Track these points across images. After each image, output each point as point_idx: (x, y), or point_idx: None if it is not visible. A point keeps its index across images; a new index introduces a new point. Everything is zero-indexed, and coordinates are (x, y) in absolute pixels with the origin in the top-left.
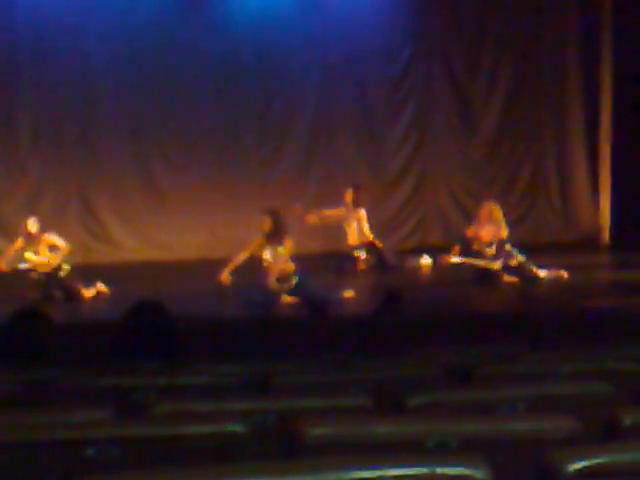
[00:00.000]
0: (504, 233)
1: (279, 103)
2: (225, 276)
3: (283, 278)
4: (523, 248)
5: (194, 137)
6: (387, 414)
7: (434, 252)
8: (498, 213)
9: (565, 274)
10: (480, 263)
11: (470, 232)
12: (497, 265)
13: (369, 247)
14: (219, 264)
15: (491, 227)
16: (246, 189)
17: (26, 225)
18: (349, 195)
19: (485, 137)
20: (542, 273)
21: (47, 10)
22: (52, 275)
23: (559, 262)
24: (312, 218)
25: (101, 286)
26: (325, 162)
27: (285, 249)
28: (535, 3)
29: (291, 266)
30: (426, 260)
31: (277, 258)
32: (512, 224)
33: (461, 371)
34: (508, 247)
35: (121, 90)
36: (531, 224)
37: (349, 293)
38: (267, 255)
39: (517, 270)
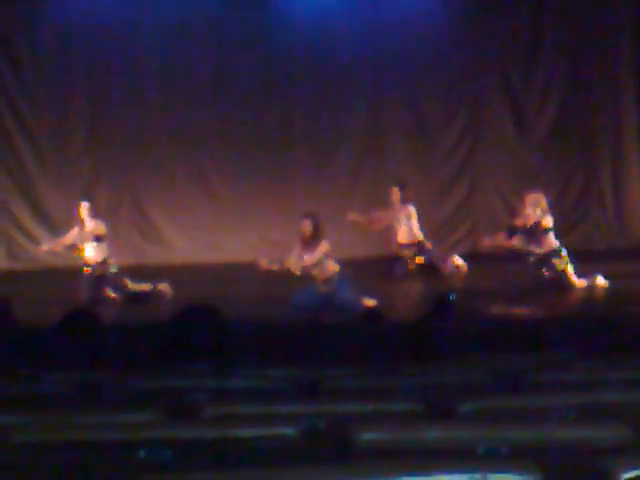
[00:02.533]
0: (548, 221)
1: (332, 109)
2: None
3: (327, 281)
4: (576, 254)
5: (246, 139)
6: (437, 420)
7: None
8: (543, 201)
9: (606, 283)
10: (522, 247)
11: (519, 222)
12: (540, 250)
13: (418, 246)
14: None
15: (536, 215)
16: (298, 193)
17: (79, 210)
18: (396, 194)
19: (538, 144)
20: (581, 282)
21: (100, 17)
22: (102, 273)
23: (611, 269)
24: (365, 223)
25: (165, 286)
26: (377, 167)
27: (321, 252)
28: (590, 9)
29: (335, 267)
30: (459, 261)
31: (315, 261)
32: (565, 231)
33: (511, 377)
34: (556, 242)
35: (173, 93)
36: (584, 231)
37: (370, 302)
38: (306, 259)
39: (556, 275)
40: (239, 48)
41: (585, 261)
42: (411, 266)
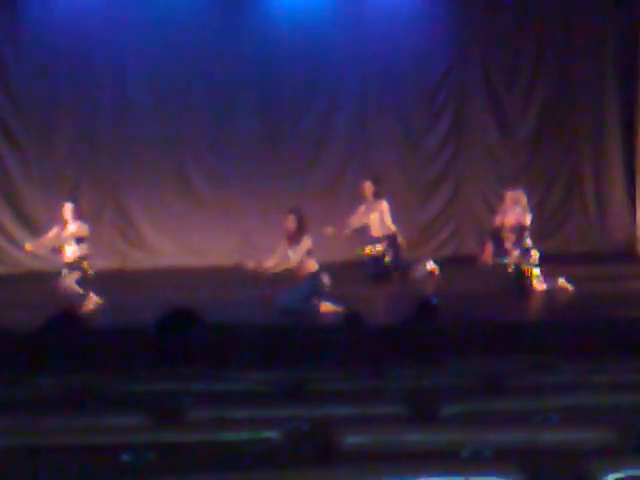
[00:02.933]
0: (527, 220)
1: (316, 112)
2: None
3: (304, 279)
4: (558, 258)
5: (230, 144)
6: (421, 423)
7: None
8: (523, 200)
9: (570, 287)
10: (512, 260)
11: (498, 221)
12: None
13: (390, 240)
14: (253, 271)
15: (515, 213)
16: (282, 196)
17: (63, 210)
18: (369, 188)
19: (521, 146)
20: (542, 286)
21: (85, 21)
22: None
23: (593, 272)
24: (344, 233)
25: (94, 297)
26: (361, 170)
27: (303, 248)
28: (573, 12)
29: (314, 267)
30: (432, 265)
31: (298, 258)
32: (547, 234)
33: (495, 381)
34: (529, 242)
35: (157, 97)
36: (567, 234)
37: (328, 307)
38: (290, 255)
39: (520, 276)
40: (222, 53)
41: (565, 264)
42: (387, 263)
